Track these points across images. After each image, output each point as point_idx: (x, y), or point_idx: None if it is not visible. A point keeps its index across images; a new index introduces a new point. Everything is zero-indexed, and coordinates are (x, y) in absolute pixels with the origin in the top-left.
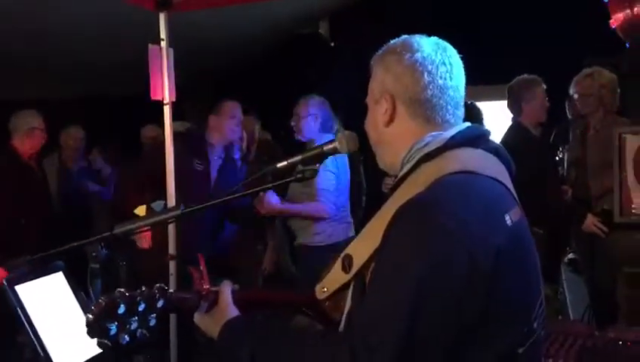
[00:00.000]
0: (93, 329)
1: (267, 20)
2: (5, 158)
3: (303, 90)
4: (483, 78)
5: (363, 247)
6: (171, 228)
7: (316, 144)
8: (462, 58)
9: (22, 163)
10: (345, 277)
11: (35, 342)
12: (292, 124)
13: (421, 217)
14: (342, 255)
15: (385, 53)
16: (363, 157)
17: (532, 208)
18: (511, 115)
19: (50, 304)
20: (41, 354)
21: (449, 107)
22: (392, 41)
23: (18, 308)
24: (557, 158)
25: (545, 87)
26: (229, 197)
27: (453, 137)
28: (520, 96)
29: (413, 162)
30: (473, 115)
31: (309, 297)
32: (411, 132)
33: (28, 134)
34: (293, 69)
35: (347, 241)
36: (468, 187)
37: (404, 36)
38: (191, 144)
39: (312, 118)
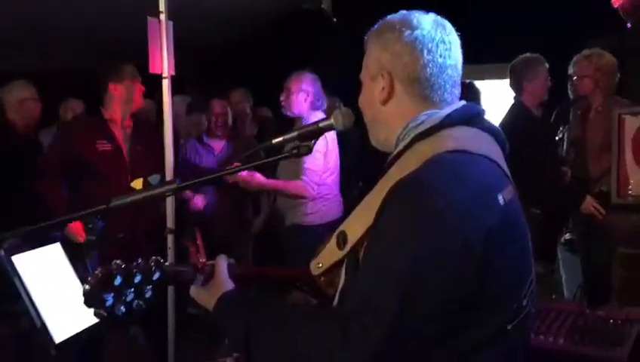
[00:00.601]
0: (90, 299)
1: None
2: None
3: (303, 66)
4: (484, 56)
5: (357, 224)
6: (169, 201)
7: (304, 121)
8: (463, 36)
9: (17, 136)
10: (339, 254)
11: (32, 312)
12: (281, 98)
13: (414, 197)
14: (337, 231)
15: (382, 29)
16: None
17: (531, 188)
18: (512, 95)
19: (48, 274)
20: (38, 323)
21: (447, 86)
22: (389, 17)
23: (15, 278)
24: (557, 138)
25: (547, 66)
26: (224, 171)
27: (448, 116)
28: (522, 74)
29: (407, 140)
30: (471, 94)
31: (304, 273)
32: (408, 110)
33: (19, 106)
34: (294, 44)
35: (339, 220)
36: (461, 166)
37: (402, 12)
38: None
39: (302, 95)
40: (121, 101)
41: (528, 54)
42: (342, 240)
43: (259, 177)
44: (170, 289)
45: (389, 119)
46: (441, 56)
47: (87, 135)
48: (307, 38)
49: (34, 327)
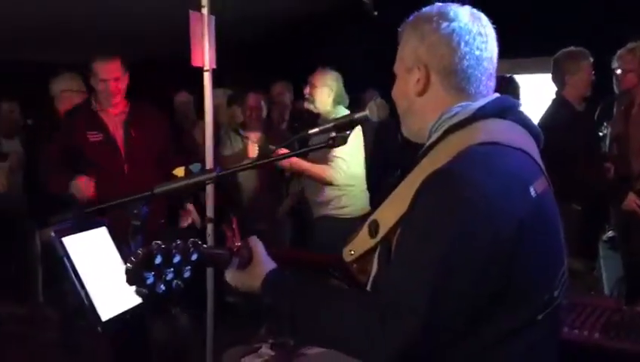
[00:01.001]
0: (132, 277)
1: None
2: (48, 122)
3: (342, 59)
4: (528, 49)
5: (389, 214)
6: (209, 189)
7: (330, 116)
8: (506, 29)
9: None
10: (371, 242)
11: (80, 291)
12: (305, 92)
13: (446, 188)
14: (369, 220)
15: (418, 20)
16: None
17: (572, 184)
18: (551, 89)
19: (95, 256)
20: (86, 302)
21: (483, 78)
22: (424, 9)
23: (65, 258)
24: (600, 134)
25: (592, 60)
26: (263, 160)
27: (481, 108)
28: (565, 68)
29: (440, 131)
30: (511, 88)
31: (337, 259)
32: (443, 102)
33: (61, 97)
34: (334, 37)
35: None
36: (493, 158)
37: (438, 4)
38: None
39: (327, 89)
40: (102, 92)
41: (572, 48)
42: (374, 228)
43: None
44: (210, 277)
45: (423, 110)
46: (477, 48)
47: (79, 127)
48: (347, 31)
49: (81, 306)
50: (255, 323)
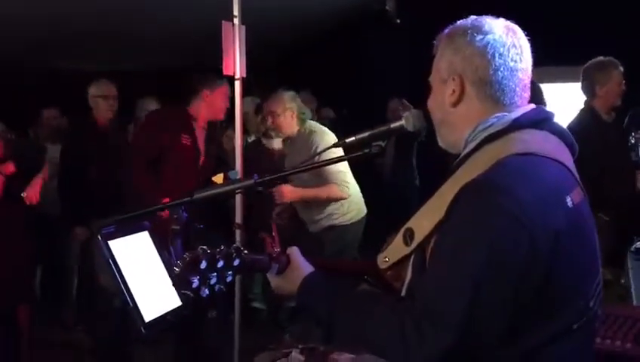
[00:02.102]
0: (179, 280)
1: None
2: (82, 126)
3: (366, 67)
4: (558, 58)
5: (425, 222)
6: (238, 198)
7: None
8: (537, 37)
9: (97, 130)
10: (406, 250)
11: (125, 293)
12: (268, 124)
13: (483, 198)
14: (403, 228)
15: (453, 33)
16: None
17: (600, 194)
18: (574, 98)
19: (137, 259)
20: (130, 303)
21: (517, 89)
22: (459, 22)
23: (111, 261)
24: (629, 144)
25: (622, 70)
26: (298, 169)
27: (517, 119)
28: (594, 78)
29: (476, 142)
30: (532, 92)
31: (371, 266)
32: (478, 113)
33: (94, 103)
34: (357, 45)
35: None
36: (529, 169)
37: (472, 17)
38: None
39: (289, 113)
40: (207, 106)
41: (602, 58)
42: (409, 236)
43: (289, 189)
44: (237, 283)
45: (458, 121)
46: (512, 60)
47: (172, 128)
48: (370, 40)
49: (126, 307)
50: (279, 328)
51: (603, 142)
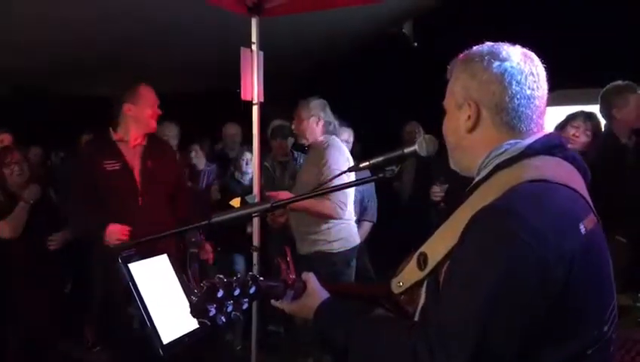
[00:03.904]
0: (197, 310)
1: (352, 22)
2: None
3: (383, 90)
4: (578, 81)
5: (438, 247)
6: (255, 221)
7: (323, 146)
8: (556, 61)
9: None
10: (420, 274)
11: (144, 314)
12: (293, 127)
13: (496, 225)
14: (417, 253)
15: (470, 58)
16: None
17: (616, 216)
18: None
19: (156, 282)
20: (149, 324)
21: (534, 116)
22: (475, 48)
23: (130, 283)
24: None
25: None
26: (312, 193)
27: (530, 146)
28: (611, 102)
29: (489, 168)
30: None
31: (385, 290)
32: (493, 139)
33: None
34: (375, 68)
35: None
36: (542, 195)
37: (489, 43)
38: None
39: (314, 119)
40: (134, 121)
41: (619, 82)
42: (422, 261)
43: (285, 194)
44: (255, 306)
45: (473, 147)
46: (529, 88)
47: (96, 157)
48: (387, 63)
49: (144, 328)
50: (295, 351)
51: (621, 165)
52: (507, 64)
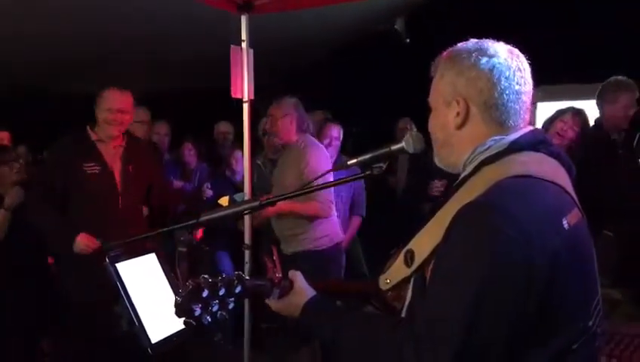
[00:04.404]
0: (181, 309)
1: (342, 18)
2: None
3: (376, 87)
4: (569, 77)
5: (425, 244)
6: (247, 218)
7: (297, 145)
8: (547, 56)
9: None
10: (407, 271)
11: (132, 313)
12: (266, 127)
13: (480, 220)
14: (404, 249)
15: (456, 55)
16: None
17: (610, 211)
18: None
19: (144, 281)
20: (136, 323)
21: (521, 112)
22: (461, 44)
23: (118, 283)
24: None
25: (637, 94)
26: (302, 191)
27: (514, 141)
28: (603, 97)
29: (474, 164)
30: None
31: (373, 287)
32: (482, 135)
33: (131, 128)
34: (367, 65)
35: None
36: (526, 191)
37: (473, 40)
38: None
39: (288, 118)
40: (102, 122)
41: (620, 77)
42: (409, 258)
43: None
44: (247, 304)
45: (461, 143)
46: (517, 83)
47: (74, 158)
48: (379, 60)
49: (132, 327)
50: (289, 348)
51: (610, 160)
52: (495, 60)
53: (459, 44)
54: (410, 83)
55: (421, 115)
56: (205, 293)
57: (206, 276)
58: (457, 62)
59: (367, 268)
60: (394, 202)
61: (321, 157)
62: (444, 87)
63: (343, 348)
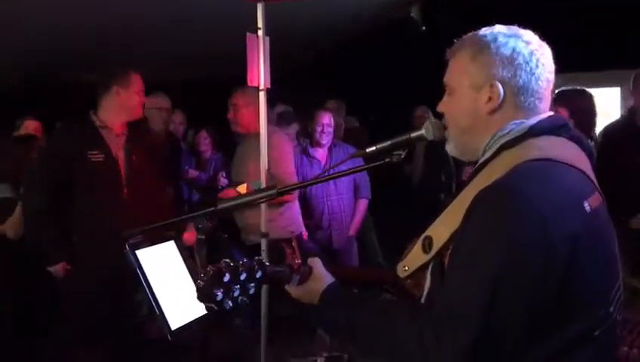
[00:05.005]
0: (203, 294)
1: (357, 6)
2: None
3: (391, 75)
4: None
5: (443, 229)
6: (263, 207)
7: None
8: (562, 44)
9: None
10: (425, 258)
11: (152, 301)
12: (229, 115)
13: (499, 202)
14: (422, 236)
15: (492, 39)
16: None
17: (623, 198)
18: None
19: (164, 268)
20: (157, 311)
21: (548, 97)
22: (486, 29)
23: (138, 270)
24: None
25: None
26: (317, 180)
27: (534, 126)
28: (634, 83)
29: (494, 149)
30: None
31: (390, 275)
32: (510, 120)
33: (149, 114)
34: (383, 53)
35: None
36: (546, 174)
37: (499, 25)
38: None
39: (250, 109)
40: (120, 107)
41: None
42: (427, 244)
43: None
44: (264, 291)
45: (487, 128)
46: (548, 70)
47: (78, 146)
48: (396, 47)
49: (152, 314)
50: (305, 336)
51: (633, 146)
52: (531, 46)
53: (486, 29)
54: (426, 71)
55: (437, 102)
56: (227, 278)
57: (227, 260)
58: (489, 45)
59: (384, 259)
60: (410, 191)
61: (286, 145)
62: (476, 71)
63: (362, 336)
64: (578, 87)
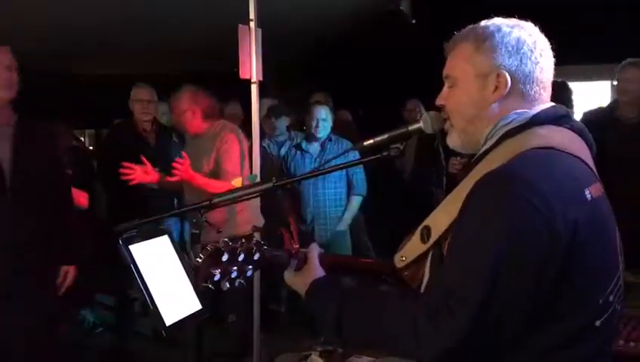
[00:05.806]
0: (200, 273)
1: None
2: (122, 129)
3: (381, 67)
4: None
5: (442, 218)
6: (257, 200)
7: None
8: (558, 36)
9: (136, 134)
10: (423, 247)
11: (146, 296)
12: (175, 121)
13: (501, 188)
14: (421, 226)
15: (496, 29)
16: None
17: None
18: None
19: (158, 263)
20: (151, 306)
21: (549, 87)
22: (486, 21)
23: (132, 266)
24: None
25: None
26: (317, 172)
27: (537, 115)
28: (617, 75)
29: (496, 138)
30: (565, 92)
31: (388, 265)
32: (514, 109)
33: (132, 107)
34: (372, 46)
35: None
36: (548, 161)
37: (498, 18)
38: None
39: (189, 113)
40: None
41: (635, 59)
42: (426, 234)
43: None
44: (256, 285)
45: (491, 118)
46: (548, 59)
47: None
48: (385, 40)
49: (147, 310)
50: (297, 330)
51: (603, 134)
52: (535, 36)
53: (486, 20)
54: (417, 64)
55: (428, 96)
56: (225, 257)
57: (226, 239)
58: (498, 35)
59: (376, 254)
60: (401, 185)
61: (235, 142)
62: (482, 60)
63: (350, 324)
64: (559, 80)
